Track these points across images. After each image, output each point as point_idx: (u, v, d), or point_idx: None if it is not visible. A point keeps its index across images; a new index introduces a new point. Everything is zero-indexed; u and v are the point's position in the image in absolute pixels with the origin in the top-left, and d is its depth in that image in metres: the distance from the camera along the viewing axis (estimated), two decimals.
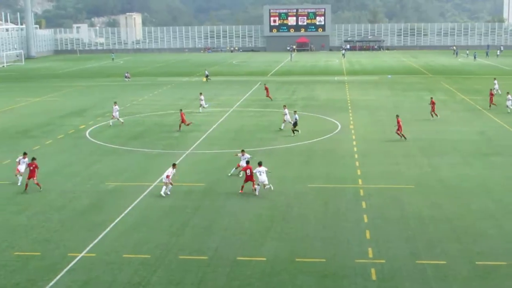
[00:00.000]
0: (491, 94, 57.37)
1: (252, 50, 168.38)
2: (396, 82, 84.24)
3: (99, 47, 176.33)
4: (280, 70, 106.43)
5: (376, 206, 28.33)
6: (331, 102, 64.19)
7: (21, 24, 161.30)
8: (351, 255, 22.30)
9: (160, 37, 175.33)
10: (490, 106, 56.49)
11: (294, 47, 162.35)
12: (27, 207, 29.20)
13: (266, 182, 29.77)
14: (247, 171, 29.79)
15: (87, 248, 23.20)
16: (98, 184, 33.02)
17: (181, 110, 50.22)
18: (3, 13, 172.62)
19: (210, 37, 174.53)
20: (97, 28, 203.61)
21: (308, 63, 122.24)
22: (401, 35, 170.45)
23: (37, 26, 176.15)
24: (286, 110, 47.34)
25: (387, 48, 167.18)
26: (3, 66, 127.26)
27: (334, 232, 24.74)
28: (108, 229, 25.47)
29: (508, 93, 57.30)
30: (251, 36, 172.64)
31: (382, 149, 41.01)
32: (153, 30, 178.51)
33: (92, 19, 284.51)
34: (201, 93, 58.82)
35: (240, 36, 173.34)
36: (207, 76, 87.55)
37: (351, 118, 53.68)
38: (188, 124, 47.71)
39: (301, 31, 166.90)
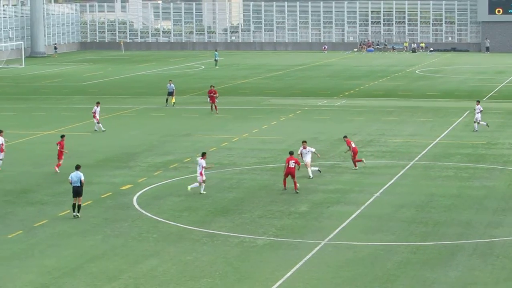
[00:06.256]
0: None
1: (454, 50, 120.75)
2: None
3: (163, 39, 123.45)
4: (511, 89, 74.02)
5: None
6: None
7: None
8: None
9: (276, 21, 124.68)
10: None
11: None
12: None
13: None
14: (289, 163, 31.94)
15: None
16: None
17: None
18: None
19: (372, 23, 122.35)
20: (159, 2, 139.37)
21: None
22: None
23: None
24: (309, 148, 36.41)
25: None
26: None
27: None
28: None
29: None
30: (452, 23, 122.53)
31: None
32: (263, 6, 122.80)
33: None
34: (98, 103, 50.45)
35: (431, 23, 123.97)
36: (170, 94, 62.75)
37: None
38: None
39: None
